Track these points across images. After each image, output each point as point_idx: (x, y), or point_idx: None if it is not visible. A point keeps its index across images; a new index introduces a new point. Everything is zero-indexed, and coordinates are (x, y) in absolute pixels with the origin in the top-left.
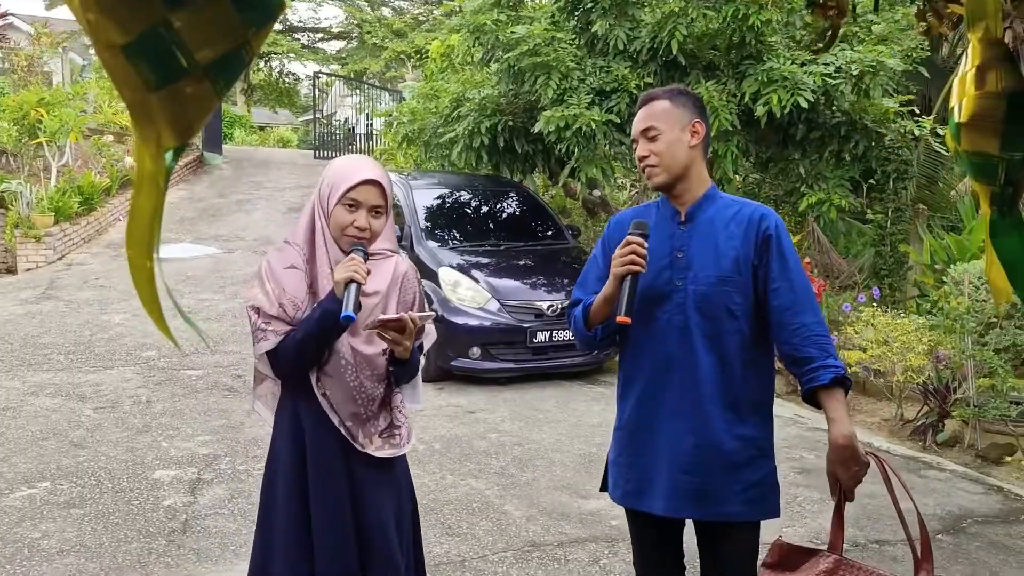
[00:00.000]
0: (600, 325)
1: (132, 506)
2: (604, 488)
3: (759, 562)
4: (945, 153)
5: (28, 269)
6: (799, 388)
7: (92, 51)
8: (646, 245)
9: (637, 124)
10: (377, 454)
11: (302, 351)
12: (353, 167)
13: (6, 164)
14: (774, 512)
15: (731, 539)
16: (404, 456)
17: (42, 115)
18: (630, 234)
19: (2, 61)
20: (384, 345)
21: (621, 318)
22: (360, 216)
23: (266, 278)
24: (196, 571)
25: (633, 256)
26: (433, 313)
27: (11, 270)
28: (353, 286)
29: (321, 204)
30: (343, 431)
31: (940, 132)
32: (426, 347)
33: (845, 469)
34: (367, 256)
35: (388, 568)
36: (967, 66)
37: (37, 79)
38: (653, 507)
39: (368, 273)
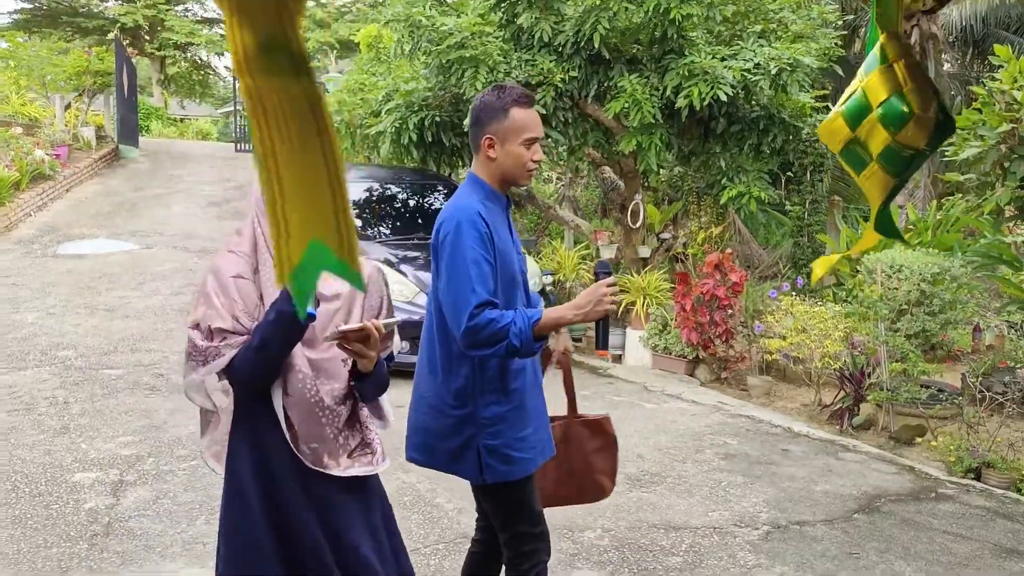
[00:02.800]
0: (542, 342)
1: (51, 510)
2: (495, 477)
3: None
4: None
5: None
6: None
7: None
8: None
9: (540, 128)
10: (345, 474)
11: (262, 360)
12: None
13: None
14: None
15: None
16: (376, 478)
17: None
18: (607, 274)
19: None
20: (344, 354)
21: (602, 351)
22: None
23: (213, 292)
24: (120, 574)
25: (614, 298)
26: (399, 319)
27: None
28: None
29: (259, 208)
30: (307, 453)
31: None
32: (395, 354)
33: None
34: None
35: None
36: (890, 58)
37: None
38: (549, 455)
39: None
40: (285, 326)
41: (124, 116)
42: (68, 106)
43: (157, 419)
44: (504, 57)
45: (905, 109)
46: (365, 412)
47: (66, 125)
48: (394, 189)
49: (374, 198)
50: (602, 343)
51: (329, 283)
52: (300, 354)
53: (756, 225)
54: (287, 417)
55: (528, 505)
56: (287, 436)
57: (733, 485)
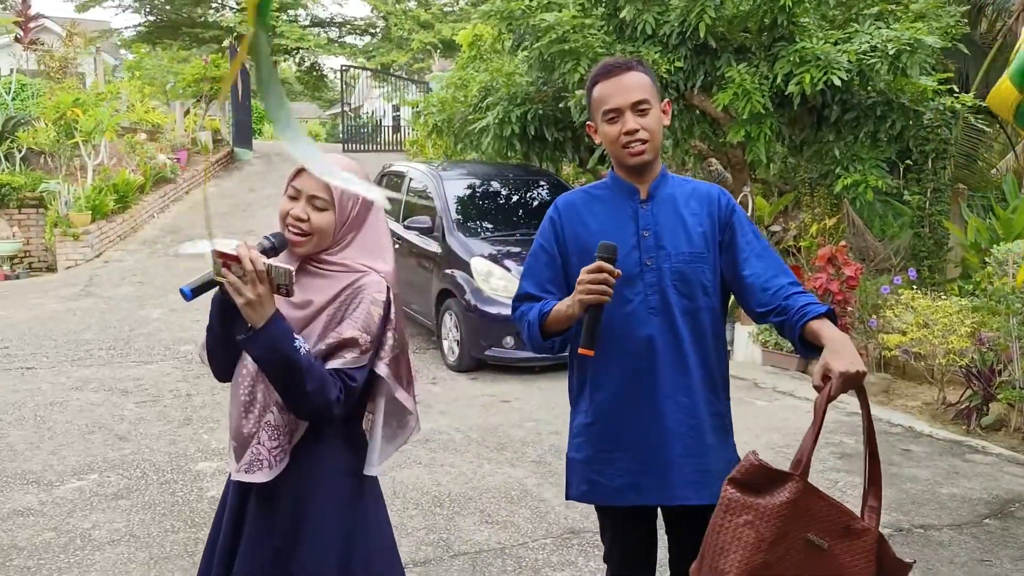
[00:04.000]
0: (559, 337)
1: (177, 497)
2: (574, 496)
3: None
4: (987, 130)
5: (68, 267)
6: (793, 335)
7: (123, 51)
8: (617, 273)
9: (625, 94)
10: (235, 475)
11: (207, 339)
12: None
13: (44, 164)
14: None
15: (703, 521)
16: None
17: (78, 115)
18: (601, 258)
19: (37, 63)
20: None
21: (583, 350)
22: (298, 206)
23: None
24: None
25: (604, 286)
26: (291, 266)
27: (51, 268)
28: (211, 269)
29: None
30: (233, 446)
31: (984, 105)
32: (399, 442)
33: (841, 359)
34: (275, 248)
35: None
36: None
37: (71, 80)
38: (651, 498)
39: (235, 257)
40: (214, 305)
41: (239, 120)
42: (187, 112)
43: None
44: (607, 49)
45: None
46: (284, 417)
47: (185, 130)
48: (497, 185)
49: (477, 194)
50: (583, 339)
51: (305, 290)
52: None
53: (872, 216)
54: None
55: (612, 542)
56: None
57: (851, 486)
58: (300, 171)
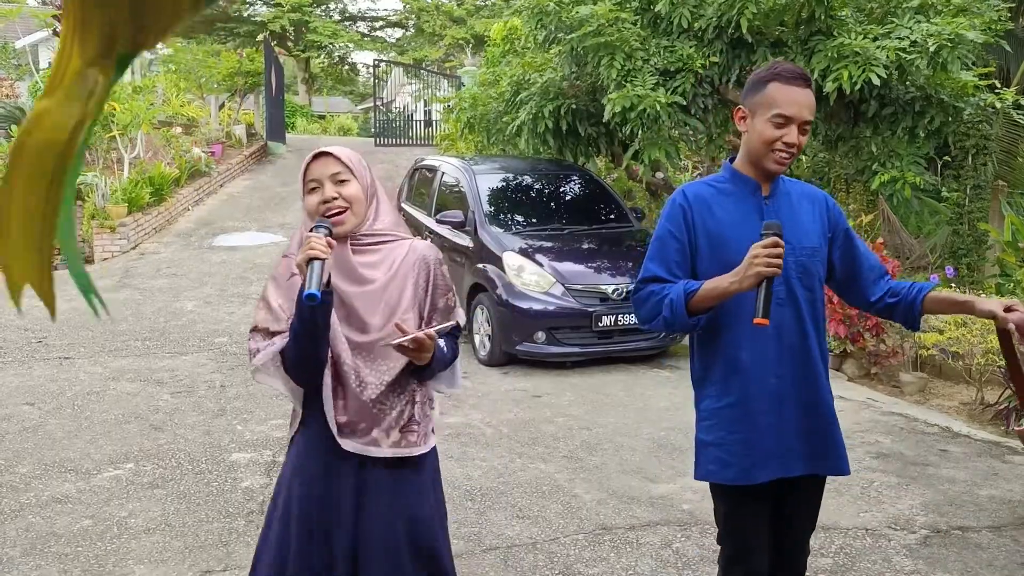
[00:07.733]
0: (705, 315)
1: (212, 487)
2: (702, 476)
3: None
4: None
5: (104, 259)
6: (913, 308)
7: (159, 46)
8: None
9: (801, 109)
10: (387, 454)
11: (298, 351)
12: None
13: None
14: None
15: (819, 490)
16: (429, 458)
17: (114, 108)
18: (770, 235)
19: None
20: (380, 334)
21: (760, 320)
22: (324, 190)
23: (271, 296)
24: None
25: (779, 259)
26: (453, 323)
27: (88, 260)
28: (316, 264)
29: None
30: (354, 435)
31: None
32: (461, 324)
33: (998, 301)
34: (330, 231)
35: None
36: None
37: None
38: (790, 470)
39: (330, 247)
40: (303, 313)
41: (272, 114)
42: (222, 106)
43: None
44: (642, 44)
45: None
46: (421, 392)
47: (220, 124)
48: (529, 179)
49: (509, 188)
50: (760, 311)
51: (370, 267)
52: (339, 332)
53: (908, 213)
54: (332, 396)
55: (744, 515)
56: (330, 420)
57: (886, 486)
58: (309, 164)
